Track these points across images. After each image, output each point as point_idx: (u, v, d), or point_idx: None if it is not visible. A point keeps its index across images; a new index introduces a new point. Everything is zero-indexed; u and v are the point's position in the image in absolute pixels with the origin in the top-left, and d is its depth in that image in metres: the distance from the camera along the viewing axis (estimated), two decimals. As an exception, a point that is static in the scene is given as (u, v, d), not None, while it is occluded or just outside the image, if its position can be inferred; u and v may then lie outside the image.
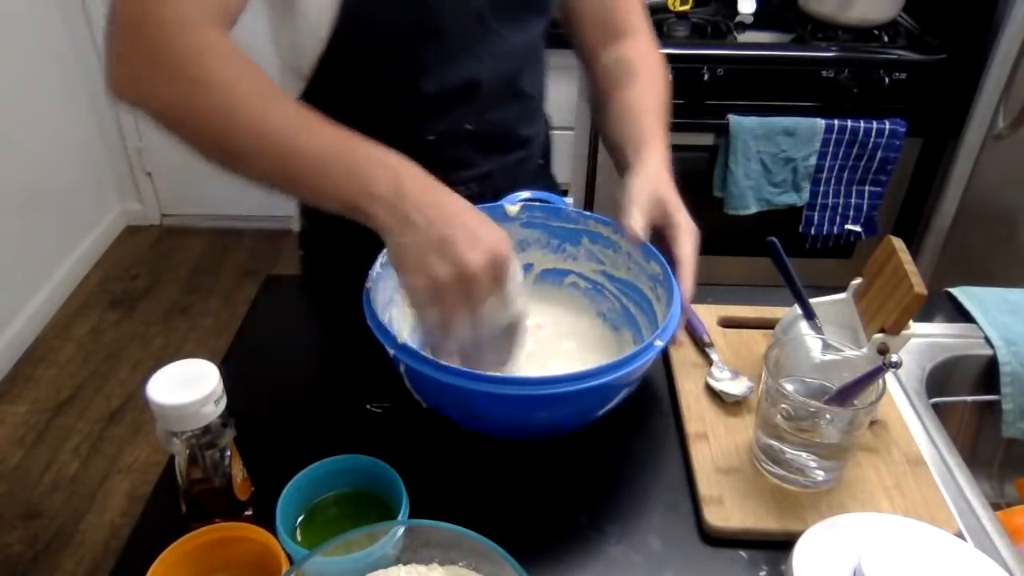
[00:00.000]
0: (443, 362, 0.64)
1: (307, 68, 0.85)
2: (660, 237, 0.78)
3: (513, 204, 0.84)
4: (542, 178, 1.08)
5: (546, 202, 0.85)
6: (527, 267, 0.87)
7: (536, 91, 1.00)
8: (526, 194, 0.85)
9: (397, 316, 0.80)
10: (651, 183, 0.79)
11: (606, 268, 0.85)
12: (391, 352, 0.67)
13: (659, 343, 0.68)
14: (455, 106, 0.91)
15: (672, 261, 0.76)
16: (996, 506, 0.81)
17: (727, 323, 0.89)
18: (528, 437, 0.75)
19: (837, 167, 1.85)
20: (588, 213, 0.84)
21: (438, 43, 0.85)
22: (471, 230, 0.62)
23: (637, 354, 0.67)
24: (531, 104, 1.00)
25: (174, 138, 0.68)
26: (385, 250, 0.77)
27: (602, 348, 0.84)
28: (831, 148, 1.81)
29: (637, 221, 0.76)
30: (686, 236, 0.77)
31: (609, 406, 0.71)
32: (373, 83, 0.87)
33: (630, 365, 0.66)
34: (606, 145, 0.94)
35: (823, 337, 0.73)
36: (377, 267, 0.75)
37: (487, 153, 0.96)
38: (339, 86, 0.86)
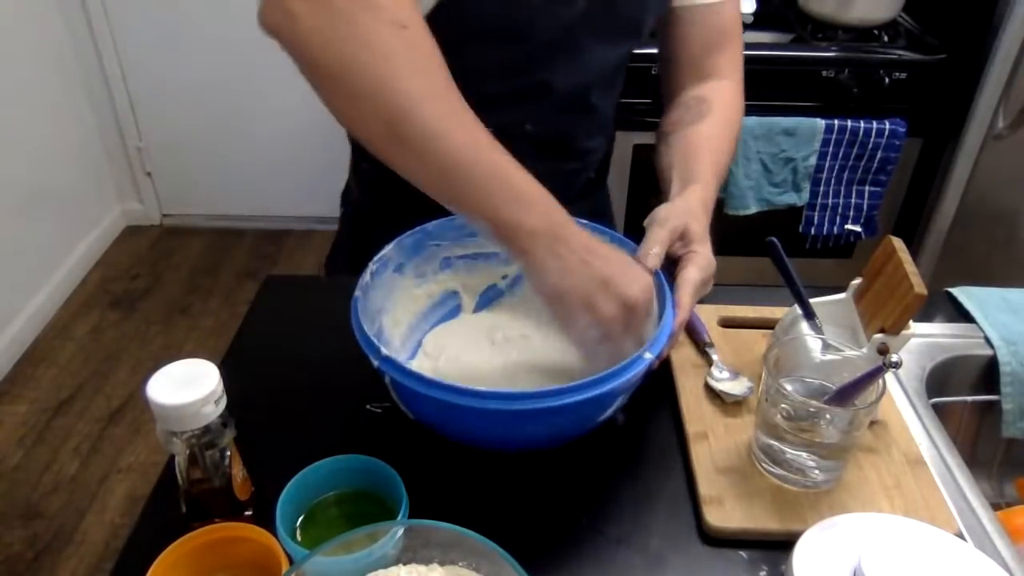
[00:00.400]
0: (427, 375, 0.64)
1: None
2: (674, 263, 0.78)
3: None
4: (591, 193, 1.07)
5: None
6: (517, 278, 0.87)
7: (606, 106, 1.00)
8: None
9: (388, 324, 0.79)
10: (680, 215, 0.78)
11: None
12: (375, 363, 0.66)
13: (648, 356, 0.67)
14: (521, 105, 0.91)
15: (673, 282, 0.75)
16: (996, 506, 0.81)
17: (727, 323, 0.89)
18: (519, 449, 0.74)
19: (837, 167, 1.85)
20: (584, 221, 0.83)
21: (522, 44, 0.85)
22: (625, 269, 0.67)
23: (625, 367, 0.65)
24: (598, 118, 0.99)
25: (315, 86, 0.66)
26: (377, 258, 0.77)
27: None
28: (831, 148, 1.81)
29: (651, 248, 0.75)
30: (695, 263, 0.76)
31: (602, 418, 0.70)
32: (448, 67, 0.87)
33: (618, 379, 0.64)
34: (657, 172, 0.93)
35: (823, 337, 0.73)
36: (367, 276, 0.75)
37: (541, 156, 0.95)
38: None
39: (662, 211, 0.79)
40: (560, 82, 0.90)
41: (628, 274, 0.67)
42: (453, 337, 0.85)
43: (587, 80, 0.93)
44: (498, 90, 0.88)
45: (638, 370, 0.66)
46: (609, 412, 0.70)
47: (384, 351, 0.66)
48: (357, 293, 0.72)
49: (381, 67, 0.64)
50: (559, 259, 0.65)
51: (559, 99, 0.92)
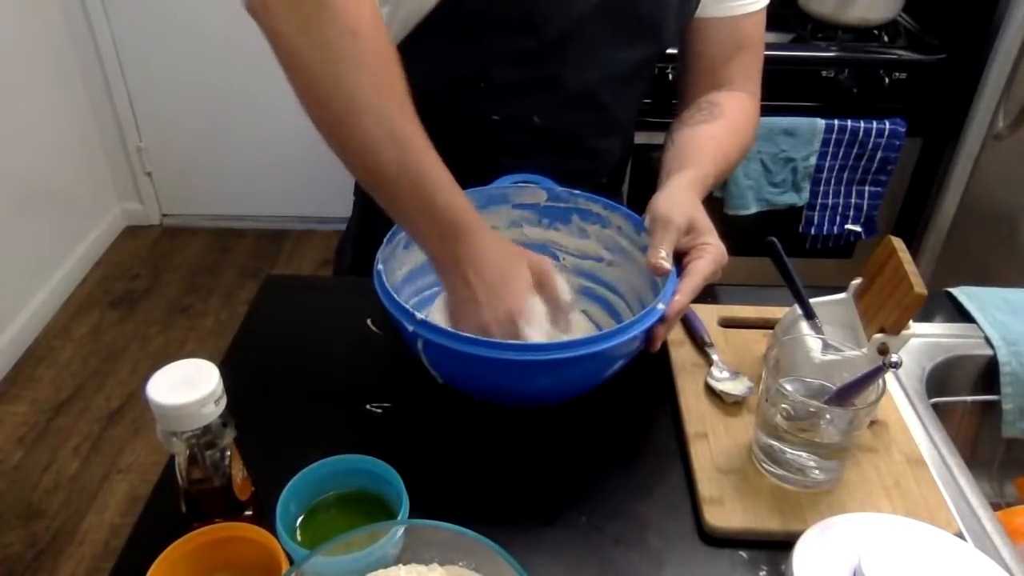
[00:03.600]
0: (466, 334, 0.67)
1: (411, 23, 0.86)
2: (682, 254, 0.78)
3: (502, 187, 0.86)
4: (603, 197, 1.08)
5: (534, 183, 0.87)
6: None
7: (621, 108, 0.99)
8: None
9: (406, 296, 0.81)
10: (680, 209, 0.78)
11: (591, 243, 0.87)
12: (410, 328, 0.68)
13: (661, 306, 0.71)
14: (529, 97, 0.91)
15: (683, 269, 0.76)
16: (996, 506, 0.81)
17: (727, 323, 0.89)
18: (552, 401, 0.77)
19: (837, 167, 1.85)
20: (577, 192, 0.86)
21: (532, 34, 0.86)
22: (496, 291, 0.70)
23: (641, 318, 0.69)
24: (609, 119, 0.99)
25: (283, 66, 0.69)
26: (395, 227, 0.78)
27: (594, 319, 0.87)
28: (831, 148, 1.81)
29: (659, 252, 0.75)
30: (710, 254, 0.76)
31: (616, 367, 0.74)
32: (459, 55, 0.87)
33: (635, 328, 0.69)
34: (660, 166, 0.93)
35: (823, 337, 0.73)
36: (387, 247, 0.77)
37: (548, 151, 0.95)
38: (428, 50, 0.86)
39: (661, 205, 0.78)
40: (570, 77, 0.90)
41: (496, 297, 0.70)
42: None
43: (598, 78, 0.93)
44: (508, 79, 0.88)
45: (652, 319, 0.71)
46: (620, 364, 0.74)
47: (419, 315, 0.68)
48: (379, 266, 0.74)
49: (331, 68, 0.66)
50: (451, 282, 0.71)
51: (568, 94, 0.92)
